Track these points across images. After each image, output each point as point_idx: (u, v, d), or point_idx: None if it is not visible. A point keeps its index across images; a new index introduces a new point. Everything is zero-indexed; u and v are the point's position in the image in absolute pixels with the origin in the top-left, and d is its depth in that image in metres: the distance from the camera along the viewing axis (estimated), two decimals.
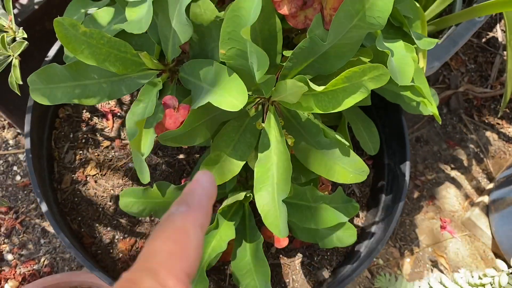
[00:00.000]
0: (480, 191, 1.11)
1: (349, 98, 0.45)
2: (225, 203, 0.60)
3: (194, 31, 0.52)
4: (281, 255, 0.76)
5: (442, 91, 1.18)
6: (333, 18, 0.43)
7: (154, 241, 0.23)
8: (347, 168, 0.53)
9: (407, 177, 0.72)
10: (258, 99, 0.53)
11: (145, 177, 0.48)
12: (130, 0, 0.47)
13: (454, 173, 1.12)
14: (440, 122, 0.62)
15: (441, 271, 1.03)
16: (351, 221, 0.80)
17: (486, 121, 1.18)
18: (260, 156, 0.52)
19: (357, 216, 0.81)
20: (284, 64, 0.50)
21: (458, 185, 1.11)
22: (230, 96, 0.45)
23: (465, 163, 1.13)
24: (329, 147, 0.52)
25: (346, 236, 0.64)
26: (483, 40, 1.24)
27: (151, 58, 0.51)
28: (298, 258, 0.76)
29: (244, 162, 0.55)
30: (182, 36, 0.47)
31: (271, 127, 0.52)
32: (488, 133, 1.17)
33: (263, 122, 0.53)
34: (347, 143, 0.51)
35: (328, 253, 0.77)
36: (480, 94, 1.18)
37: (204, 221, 0.24)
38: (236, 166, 0.55)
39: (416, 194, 1.09)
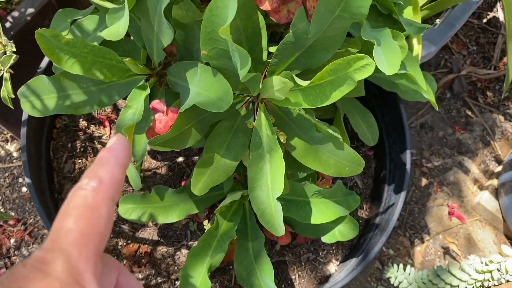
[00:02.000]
0: (489, 174, 1.09)
1: (337, 91, 0.44)
2: (223, 203, 0.59)
3: (179, 33, 0.51)
4: (286, 252, 0.75)
5: (444, 76, 1.16)
6: (314, 11, 0.42)
7: (65, 219, 0.23)
8: (342, 162, 0.52)
9: (408, 166, 0.71)
10: (248, 98, 0.53)
11: (137, 183, 0.48)
12: (110, 7, 0.47)
13: (461, 158, 1.10)
14: (437, 108, 0.61)
15: (454, 258, 1.02)
16: (355, 213, 0.79)
17: (491, 103, 1.15)
18: (252, 155, 0.51)
19: (361, 208, 0.80)
20: (270, 60, 0.49)
21: (466, 170, 1.09)
22: (216, 97, 0.44)
23: (472, 147, 1.11)
24: (322, 142, 0.52)
25: (348, 230, 0.63)
26: (484, 20, 1.22)
27: (136, 63, 0.51)
28: (303, 254, 0.75)
29: (239, 162, 0.54)
30: (164, 39, 0.46)
31: (262, 125, 0.51)
32: (494, 115, 1.14)
33: (254, 120, 0.53)
34: (339, 137, 0.50)
35: (333, 247, 0.76)
36: (483, 76, 1.16)
37: (115, 193, 0.24)
38: (230, 166, 0.54)
39: (423, 182, 1.08)
